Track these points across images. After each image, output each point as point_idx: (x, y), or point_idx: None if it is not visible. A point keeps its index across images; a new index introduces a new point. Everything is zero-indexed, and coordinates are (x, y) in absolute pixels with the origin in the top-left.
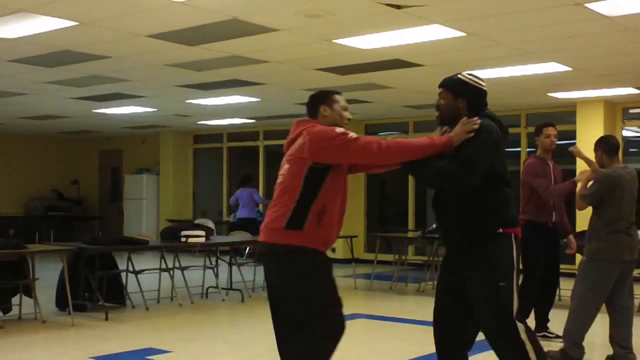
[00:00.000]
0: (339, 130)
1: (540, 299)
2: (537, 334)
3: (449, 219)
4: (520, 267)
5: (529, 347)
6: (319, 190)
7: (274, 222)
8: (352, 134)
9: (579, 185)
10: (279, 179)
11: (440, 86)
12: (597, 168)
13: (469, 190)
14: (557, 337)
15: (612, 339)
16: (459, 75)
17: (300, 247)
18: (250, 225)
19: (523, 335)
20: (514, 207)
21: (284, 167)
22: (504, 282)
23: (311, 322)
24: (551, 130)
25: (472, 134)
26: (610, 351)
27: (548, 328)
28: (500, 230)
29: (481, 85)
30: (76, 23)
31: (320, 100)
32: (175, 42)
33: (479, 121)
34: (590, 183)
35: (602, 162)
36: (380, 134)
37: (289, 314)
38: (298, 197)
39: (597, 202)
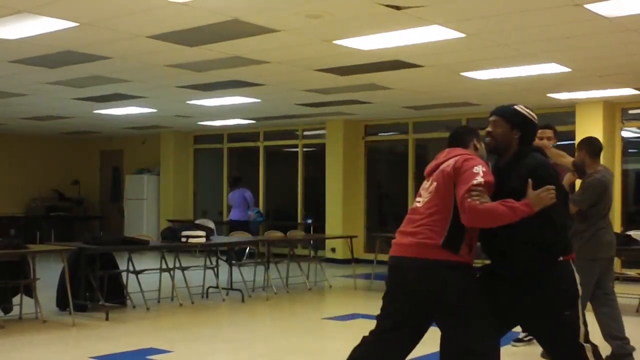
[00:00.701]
0: (478, 180)
1: None
2: (526, 338)
3: (507, 250)
4: None
5: None
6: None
7: (427, 239)
8: (479, 193)
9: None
10: (425, 197)
11: (495, 114)
12: (567, 160)
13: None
14: None
15: (606, 335)
16: (516, 107)
17: (460, 262)
18: (243, 227)
19: (589, 354)
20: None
21: (432, 185)
22: (569, 311)
23: (472, 323)
24: (545, 133)
25: (553, 200)
26: (609, 351)
27: None
28: (561, 259)
29: (535, 119)
30: (77, 24)
31: (472, 134)
32: (175, 43)
33: (553, 189)
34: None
35: (584, 162)
36: (380, 134)
37: (450, 317)
38: (451, 221)
39: (589, 206)
